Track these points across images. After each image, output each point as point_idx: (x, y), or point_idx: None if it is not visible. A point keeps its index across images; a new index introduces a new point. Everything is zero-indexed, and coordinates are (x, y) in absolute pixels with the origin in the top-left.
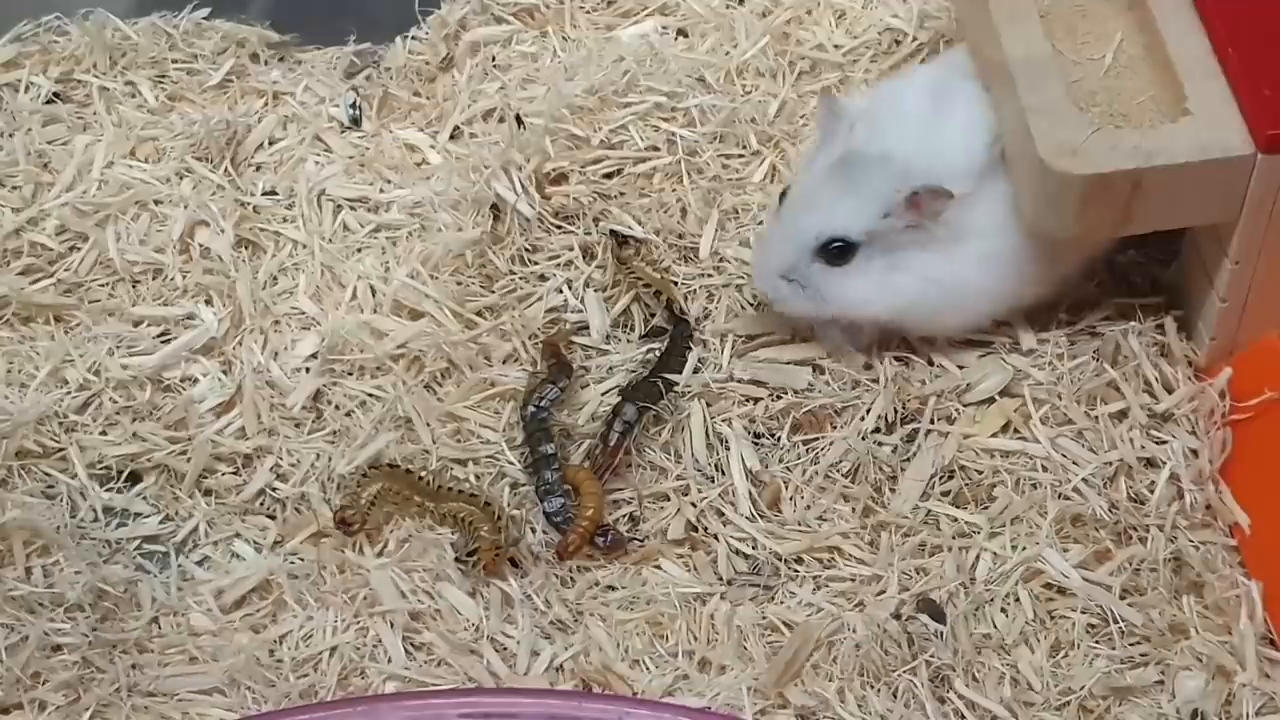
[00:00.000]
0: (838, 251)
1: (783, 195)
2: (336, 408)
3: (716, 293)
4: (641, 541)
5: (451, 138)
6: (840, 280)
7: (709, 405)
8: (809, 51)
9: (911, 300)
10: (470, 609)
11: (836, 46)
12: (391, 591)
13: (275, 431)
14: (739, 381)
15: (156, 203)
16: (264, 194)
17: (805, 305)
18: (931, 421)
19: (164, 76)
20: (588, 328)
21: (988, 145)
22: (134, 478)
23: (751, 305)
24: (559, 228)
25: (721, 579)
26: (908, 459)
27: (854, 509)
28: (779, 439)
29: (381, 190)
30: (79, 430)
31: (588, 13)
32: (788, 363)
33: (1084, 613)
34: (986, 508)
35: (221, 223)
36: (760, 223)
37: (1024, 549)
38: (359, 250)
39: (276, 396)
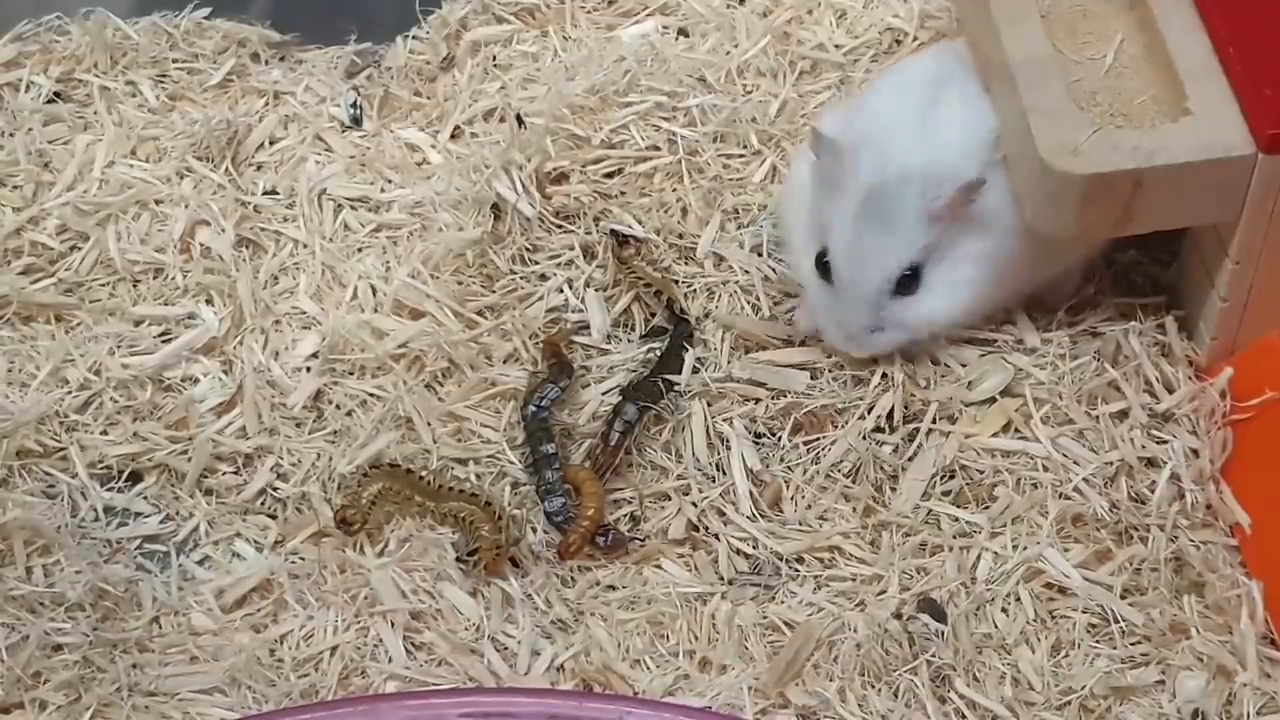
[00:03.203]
0: (908, 280)
1: (819, 260)
2: (337, 407)
3: (717, 291)
4: (642, 541)
5: (452, 137)
6: (916, 305)
7: (710, 405)
8: (810, 51)
9: (977, 287)
10: (471, 609)
11: (837, 46)
12: (392, 591)
13: (276, 431)
14: (739, 381)
15: (157, 202)
16: (265, 193)
17: (894, 342)
18: (933, 421)
19: (165, 76)
20: (588, 327)
21: (986, 134)
22: (135, 477)
23: (750, 308)
24: (560, 227)
25: (722, 578)
26: (909, 459)
27: (855, 509)
28: (780, 439)
29: (382, 190)
30: (80, 430)
31: (588, 12)
32: (787, 365)
33: (1085, 612)
34: (987, 507)
35: (222, 222)
36: (753, 223)
37: (1025, 549)
38: (360, 250)
39: (277, 396)
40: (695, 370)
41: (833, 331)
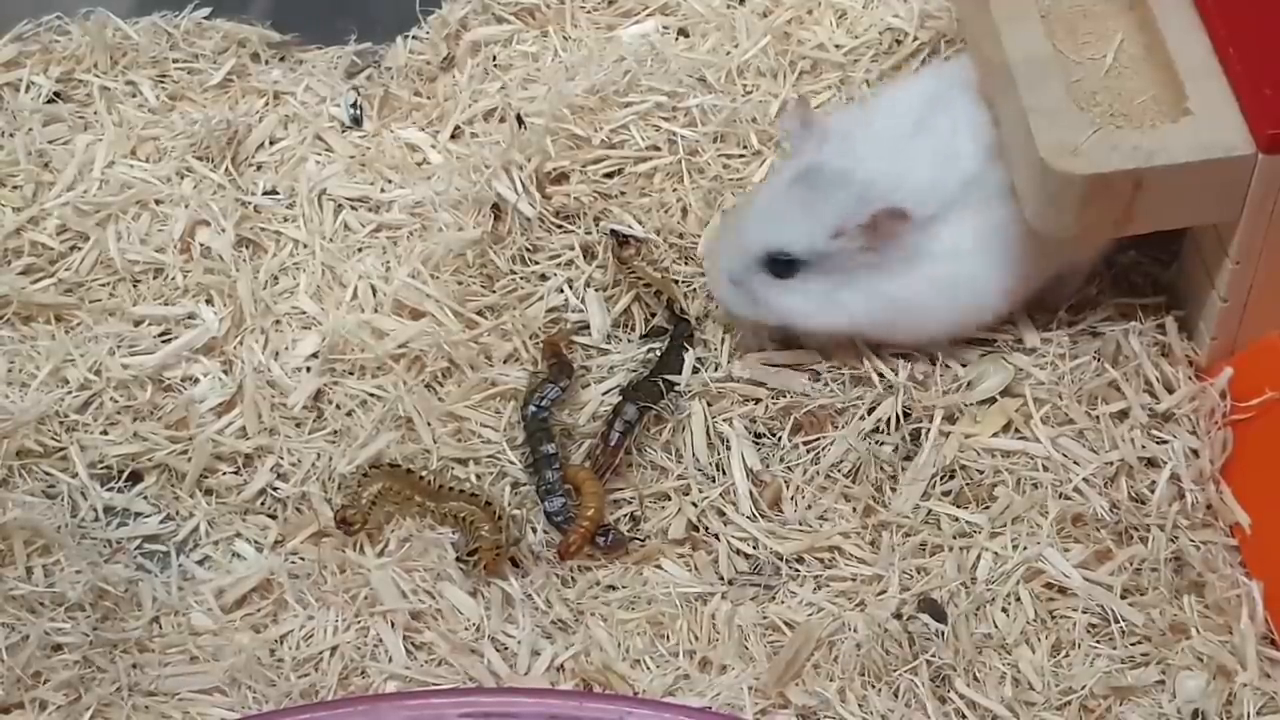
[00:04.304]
0: (781, 266)
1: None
2: (337, 407)
3: None
4: (642, 541)
5: (452, 137)
6: (783, 293)
7: (710, 405)
8: (810, 51)
9: (860, 317)
10: (471, 609)
11: (837, 46)
12: (392, 591)
13: (276, 431)
14: (739, 381)
15: (157, 202)
16: (265, 194)
17: (750, 311)
18: (932, 421)
19: (165, 76)
20: (588, 327)
21: (961, 173)
22: (135, 477)
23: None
24: (560, 227)
25: (722, 578)
26: (908, 459)
27: (855, 509)
28: (780, 439)
29: (382, 190)
30: (80, 430)
31: (589, 12)
32: (786, 365)
33: (1085, 612)
34: (987, 507)
35: (222, 222)
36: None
37: (1025, 549)
38: (360, 250)
39: (277, 396)
40: (695, 370)
41: (709, 267)
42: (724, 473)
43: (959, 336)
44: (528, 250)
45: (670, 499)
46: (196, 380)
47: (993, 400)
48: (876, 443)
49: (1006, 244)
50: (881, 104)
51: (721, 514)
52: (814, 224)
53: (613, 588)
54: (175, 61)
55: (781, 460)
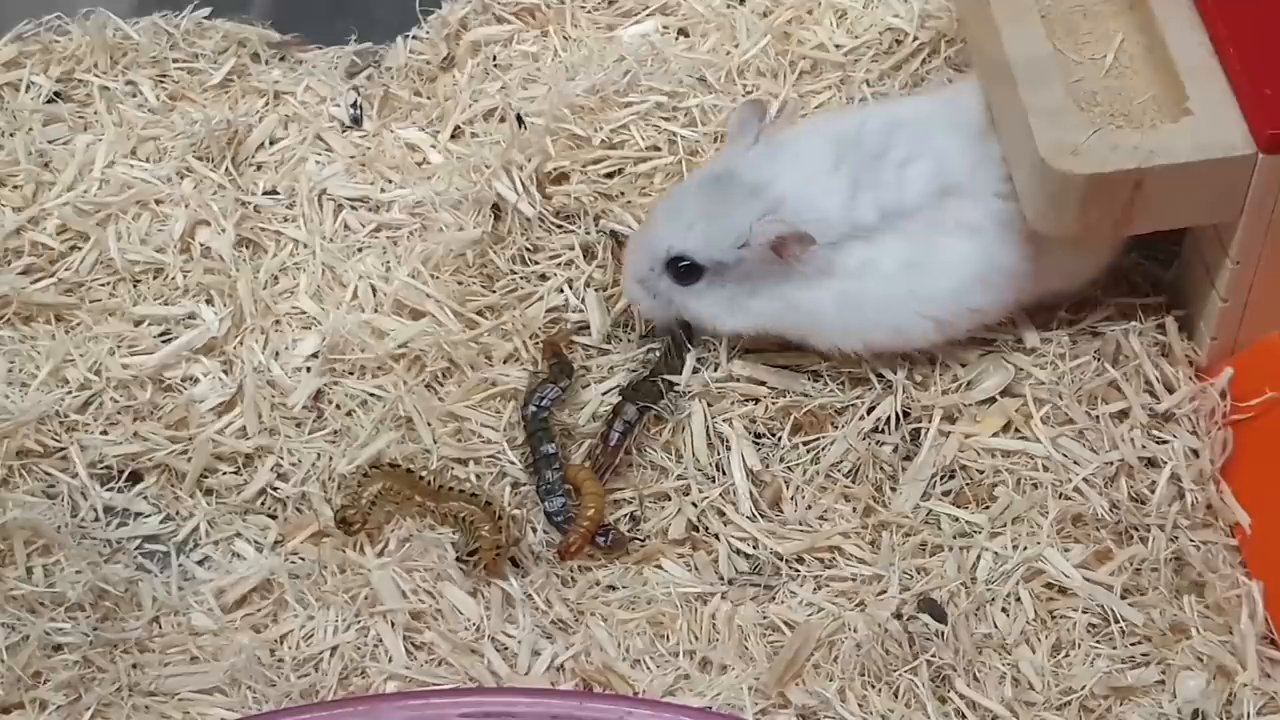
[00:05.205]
0: (684, 270)
1: None
2: (337, 407)
3: None
4: (642, 541)
5: (452, 137)
6: (688, 296)
7: (709, 405)
8: (810, 51)
9: (769, 323)
10: (471, 609)
11: (837, 46)
12: (392, 591)
13: (276, 431)
14: (739, 381)
15: (157, 202)
16: (265, 193)
17: (659, 312)
18: (932, 421)
19: (165, 76)
20: (588, 327)
21: (887, 203)
22: (135, 477)
23: None
24: (560, 227)
25: (722, 579)
26: (908, 459)
27: (855, 509)
28: (780, 439)
29: (382, 190)
30: (80, 430)
31: (589, 12)
32: (786, 365)
33: (1085, 612)
34: (987, 507)
35: (222, 222)
36: None
37: (1025, 549)
38: (360, 250)
39: (277, 396)
40: (695, 370)
41: (624, 265)
42: (724, 473)
43: (888, 352)
44: (528, 250)
45: (670, 499)
46: (196, 380)
47: (993, 400)
48: (876, 443)
49: (947, 276)
50: (829, 119)
51: (721, 514)
52: (718, 233)
53: (613, 588)
54: (175, 61)
55: (781, 460)
